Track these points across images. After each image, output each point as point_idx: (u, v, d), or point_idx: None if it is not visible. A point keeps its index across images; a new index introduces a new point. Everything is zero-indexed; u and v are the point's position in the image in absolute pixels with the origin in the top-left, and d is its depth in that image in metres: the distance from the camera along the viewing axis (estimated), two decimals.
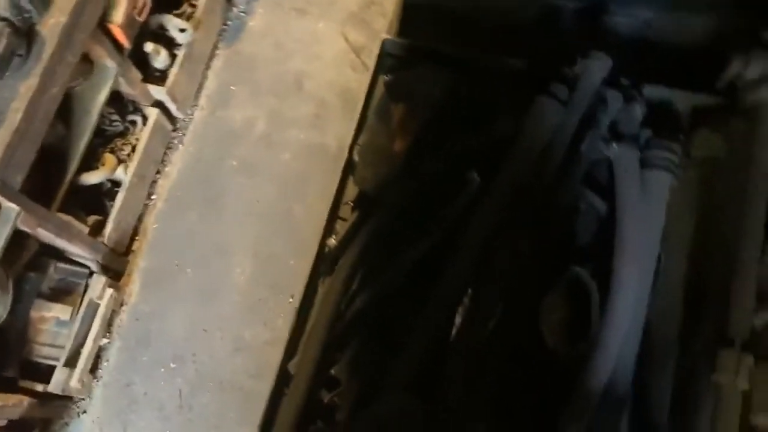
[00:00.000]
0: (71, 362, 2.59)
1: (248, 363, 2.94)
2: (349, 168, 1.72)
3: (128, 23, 2.41)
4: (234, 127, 3.24)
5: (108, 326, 2.93)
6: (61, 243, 2.39)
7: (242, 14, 3.33)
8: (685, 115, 1.77)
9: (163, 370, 2.94)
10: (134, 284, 3.04)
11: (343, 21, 3.25)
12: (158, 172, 3.18)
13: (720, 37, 1.76)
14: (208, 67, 3.19)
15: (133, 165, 2.85)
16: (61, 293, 2.73)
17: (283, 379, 1.60)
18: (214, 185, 3.18)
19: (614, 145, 1.67)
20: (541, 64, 1.73)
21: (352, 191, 1.77)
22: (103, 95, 2.48)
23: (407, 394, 1.45)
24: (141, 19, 2.47)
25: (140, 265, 3.09)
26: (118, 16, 2.33)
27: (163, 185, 3.21)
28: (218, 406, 2.85)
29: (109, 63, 2.44)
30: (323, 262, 1.68)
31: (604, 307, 1.54)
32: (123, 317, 3.02)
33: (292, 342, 1.60)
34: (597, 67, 1.70)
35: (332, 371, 1.58)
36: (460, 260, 1.57)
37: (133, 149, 2.93)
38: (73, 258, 2.73)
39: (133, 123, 2.94)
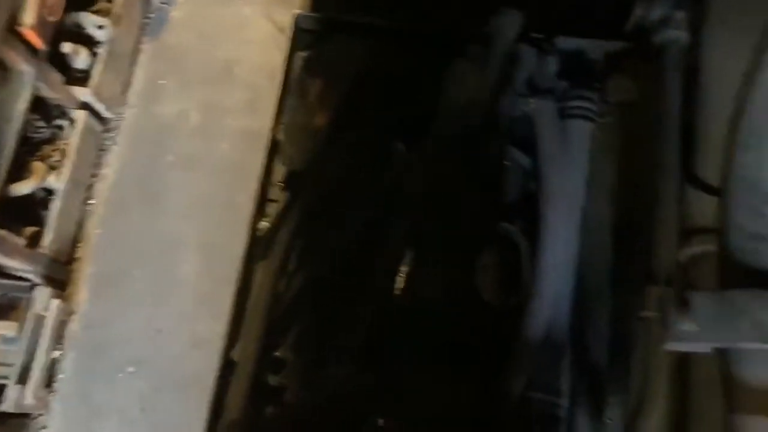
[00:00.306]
0: (23, 378, 2.52)
1: (206, 358, 2.89)
2: (274, 148, 1.70)
3: (40, 24, 2.32)
4: (167, 122, 3.16)
5: (59, 337, 2.85)
6: None
7: (164, 5, 3.24)
8: (599, 62, 1.80)
9: (121, 375, 2.88)
10: (82, 292, 2.97)
11: (268, 3, 3.20)
12: (94, 176, 3.09)
13: None
14: (133, 62, 3.10)
15: (65, 171, 2.76)
16: (4, 310, 2.65)
17: (227, 368, 1.60)
18: (153, 183, 3.10)
19: (531, 99, 1.70)
20: (456, 27, 1.74)
21: (281, 171, 1.76)
22: (23, 102, 2.39)
23: (354, 366, 1.46)
24: (54, 18, 2.39)
25: (86, 272, 3.01)
26: (28, 17, 2.24)
27: (102, 188, 3.12)
28: (182, 404, 2.81)
29: (24, 68, 2.35)
30: (256, 246, 1.67)
31: (535, 257, 1.57)
32: (74, 326, 2.94)
33: (232, 330, 1.59)
34: (508, 24, 1.71)
35: (277, 353, 1.58)
36: (397, 229, 1.58)
37: (64, 155, 2.84)
38: (13, 273, 2.65)
39: (60, 128, 2.84)
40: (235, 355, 1.58)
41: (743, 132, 1.00)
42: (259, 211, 1.71)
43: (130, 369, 2.81)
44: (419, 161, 1.63)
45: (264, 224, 1.70)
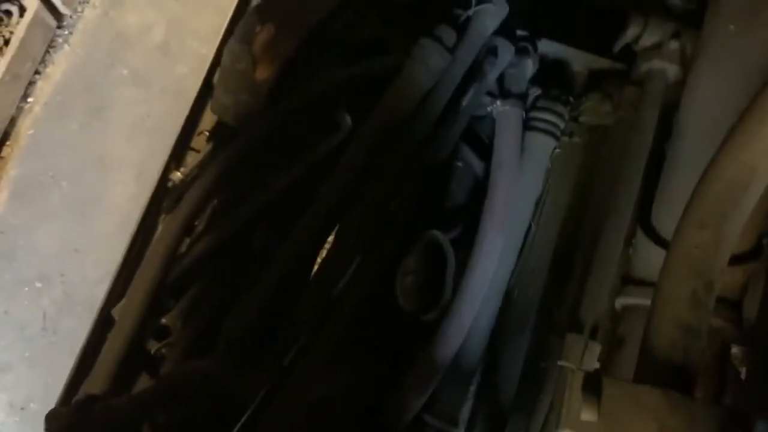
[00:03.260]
0: None
1: None
2: (204, 93, 1.52)
3: None
4: (128, 32, 2.93)
5: None
6: None
7: None
8: (579, 76, 1.65)
9: (27, 289, 2.72)
10: (2, 193, 2.77)
11: None
12: (37, 73, 2.85)
13: None
14: None
15: (5, 60, 2.53)
16: None
17: (104, 323, 1.45)
18: (100, 94, 2.88)
19: (498, 101, 1.54)
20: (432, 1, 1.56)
21: (209, 121, 1.58)
22: None
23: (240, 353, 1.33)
24: None
25: (10, 173, 2.81)
26: None
27: (43, 88, 2.89)
28: (84, 331, 2.68)
29: None
30: (166, 197, 1.51)
31: (463, 273, 1.44)
32: None
33: (118, 283, 1.44)
34: (491, 13, 1.54)
35: (164, 320, 1.44)
36: (318, 207, 1.43)
37: (6, 43, 2.60)
38: None
39: (8, 13, 2.60)
40: (117, 312, 1.43)
41: (706, 204, 0.86)
42: (176, 160, 1.53)
43: (38, 284, 2.65)
44: (361, 138, 1.47)
45: (177, 175, 1.52)
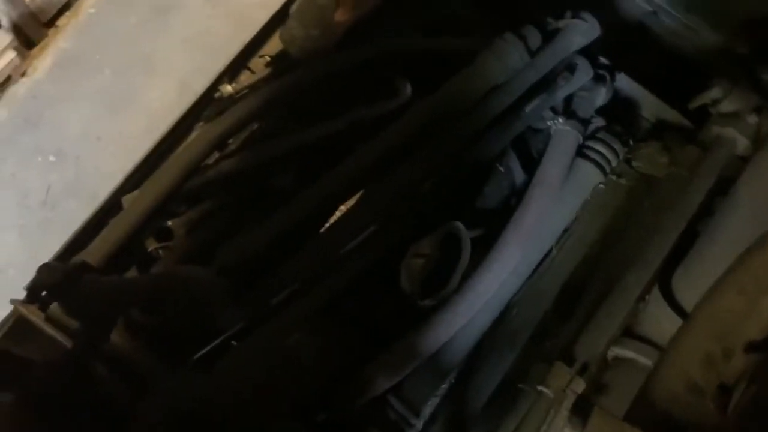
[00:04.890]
0: None
1: None
2: (279, 19, 1.50)
3: None
4: None
5: None
6: None
7: None
8: (645, 121, 1.61)
9: (40, 159, 2.72)
10: (44, 60, 2.76)
11: None
12: None
13: (714, 58, 1.59)
14: None
15: None
16: None
17: (110, 207, 1.43)
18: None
19: (560, 119, 1.51)
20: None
21: (273, 47, 1.56)
22: None
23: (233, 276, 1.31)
24: None
25: (60, 43, 2.81)
26: None
27: None
28: (82, 217, 2.67)
29: None
30: (209, 106, 1.49)
31: (472, 273, 1.41)
32: (20, 89, 2.75)
33: (136, 173, 1.42)
34: (582, 31, 1.51)
35: (169, 222, 1.42)
36: (351, 165, 1.41)
37: None
38: None
39: None
40: (126, 200, 1.41)
41: (751, 272, 0.84)
42: (230, 74, 1.51)
43: (52, 158, 2.65)
44: (418, 111, 1.44)
45: (228, 89, 1.50)
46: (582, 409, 0.79)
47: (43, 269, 1.00)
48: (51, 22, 2.79)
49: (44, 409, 1.05)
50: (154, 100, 2.73)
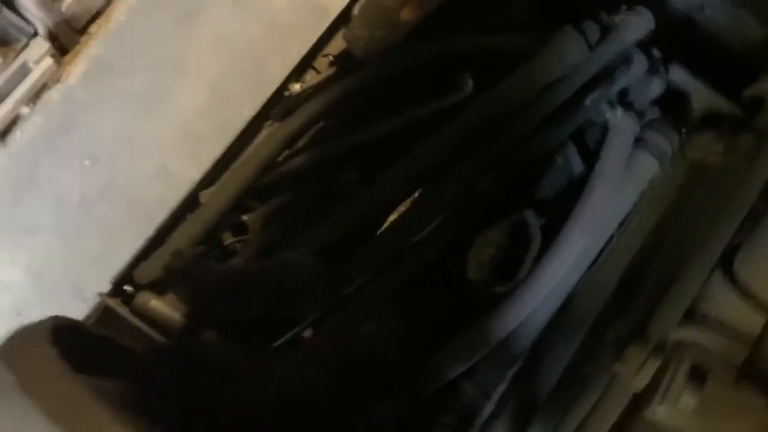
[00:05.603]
0: None
1: (163, 193, 2.76)
2: (343, 19, 1.54)
3: None
4: None
5: (34, 97, 2.69)
6: None
7: None
8: (698, 112, 1.67)
9: (75, 163, 2.74)
10: (78, 67, 2.79)
11: None
12: None
13: (763, 51, 1.65)
14: None
15: None
16: None
17: (190, 204, 1.47)
18: (198, 3, 2.91)
19: (618, 110, 1.56)
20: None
21: (337, 45, 1.60)
22: None
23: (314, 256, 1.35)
24: None
25: (92, 50, 2.83)
26: None
27: None
28: (117, 220, 2.69)
29: None
30: (278, 106, 1.53)
31: (537, 260, 1.46)
32: (54, 95, 2.77)
33: (213, 172, 1.46)
34: (637, 24, 1.56)
35: (245, 217, 1.46)
36: (413, 161, 1.45)
37: None
38: (21, 11, 2.46)
39: None
40: (204, 197, 1.46)
41: None
42: (297, 73, 1.56)
43: (86, 162, 2.67)
44: (479, 107, 1.49)
45: (296, 87, 1.55)
46: (699, 374, 0.83)
47: (175, 254, 1.03)
48: (84, 29, 2.82)
49: (152, 397, 1.08)
50: (186, 102, 2.76)
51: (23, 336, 0.87)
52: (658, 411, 1.03)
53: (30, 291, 2.70)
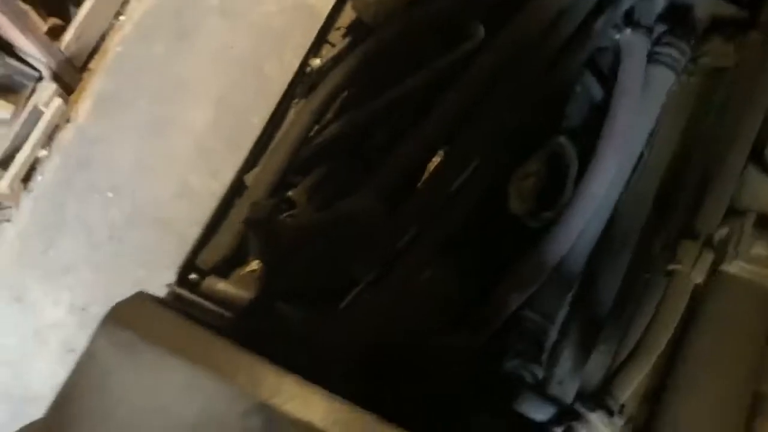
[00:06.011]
0: (4, 164, 2.44)
1: (190, 209, 2.82)
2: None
3: None
4: None
5: (49, 139, 2.76)
6: (13, 34, 2.21)
7: None
8: (701, 22, 1.71)
9: (98, 197, 2.80)
10: (85, 103, 2.86)
11: None
12: None
13: None
14: None
15: None
16: (4, 90, 2.55)
17: (236, 189, 1.52)
18: (188, 19, 2.98)
19: (628, 30, 1.61)
20: None
21: (347, 17, 1.65)
22: None
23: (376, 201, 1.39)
24: None
25: (95, 85, 2.90)
26: None
27: (136, 8, 2.99)
28: (150, 244, 2.74)
29: None
30: (302, 84, 1.58)
31: (577, 185, 1.51)
32: (67, 135, 2.84)
33: (252, 156, 1.51)
34: None
35: (290, 193, 1.51)
36: (449, 105, 1.50)
37: None
38: (25, 57, 2.54)
39: None
40: (249, 179, 1.50)
41: None
42: (315, 49, 1.61)
43: (110, 194, 2.73)
44: (493, 49, 1.54)
45: (316, 63, 1.60)
46: (764, 224, 0.87)
47: (255, 206, 1.08)
48: (84, 66, 2.89)
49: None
50: (194, 119, 2.82)
51: (133, 304, 0.91)
52: (733, 266, 1.07)
53: (77, 328, 2.75)
